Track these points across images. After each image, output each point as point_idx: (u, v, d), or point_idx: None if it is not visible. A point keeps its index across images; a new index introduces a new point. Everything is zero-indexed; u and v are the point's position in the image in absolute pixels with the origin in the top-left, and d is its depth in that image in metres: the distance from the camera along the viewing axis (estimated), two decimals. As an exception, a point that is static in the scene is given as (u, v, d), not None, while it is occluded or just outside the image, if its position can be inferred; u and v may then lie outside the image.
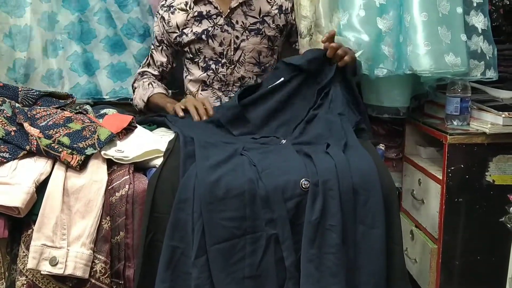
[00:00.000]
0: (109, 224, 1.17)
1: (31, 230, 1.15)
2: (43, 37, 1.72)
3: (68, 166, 1.21)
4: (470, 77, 1.58)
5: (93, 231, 1.15)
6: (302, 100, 1.46)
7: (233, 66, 1.65)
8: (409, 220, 1.77)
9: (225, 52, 1.64)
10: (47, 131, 1.24)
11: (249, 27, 1.63)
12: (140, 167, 1.29)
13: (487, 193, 1.56)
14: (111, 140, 1.28)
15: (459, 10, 1.54)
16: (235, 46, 1.64)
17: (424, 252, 1.64)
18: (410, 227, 1.74)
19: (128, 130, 1.37)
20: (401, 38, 1.59)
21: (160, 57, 1.71)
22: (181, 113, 1.49)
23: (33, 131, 1.22)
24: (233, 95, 1.64)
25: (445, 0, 1.52)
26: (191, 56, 1.67)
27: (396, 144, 1.94)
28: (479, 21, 1.57)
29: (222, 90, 1.67)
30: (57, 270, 1.11)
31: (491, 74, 1.58)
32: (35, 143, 1.21)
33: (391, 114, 1.77)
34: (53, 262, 1.11)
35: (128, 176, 1.22)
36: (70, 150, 1.20)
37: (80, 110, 1.40)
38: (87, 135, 1.26)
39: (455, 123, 1.61)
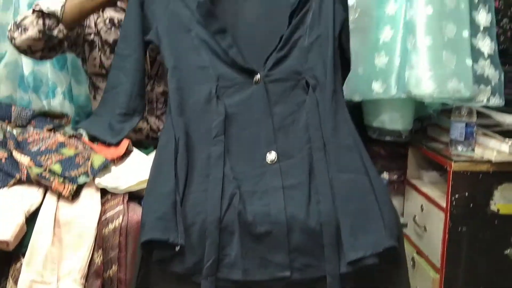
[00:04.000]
0: (101, 258, 1.12)
1: (20, 263, 1.10)
2: None
3: (60, 195, 1.17)
4: (475, 102, 1.54)
5: (85, 266, 1.10)
6: (273, 20, 1.30)
7: (151, 81, 1.52)
8: (410, 246, 1.73)
9: None
10: (39, 157, 1.20)
11: None
12: (135, 195, 1.25)
13: (491, 222, 1.53)
14: (105, 167, 1.24)
15: (466, 34, 1.49)
16: (150, 60, 1.52)
17: (425, 281, 1.60)
18: (411, 254, 1.70)
19: (123, 154, 1.32)
20: (403, 61, 1.55)
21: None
22: None
23: (23, 160, 1.18)
24: (159, 113, 1.53)
25: (451, 23, 1.48)
26: (103, 72, 1.51)
27: (398, 166, 1.90)
28: (486, 45, 1.53)
29: (146, 109, 1.47)
30: (46, 307, 1.07)
31: (496, 101, 1.54)
32: (25, 172, 1.16)
33: (393, 137, 1.73)
34: (42, 299, 1.07)
35: (122, 206, 1.18)
36: (62, 179, 1.16)
37: (75, 134, 1.35)
38: (80, 162, 1.21)
39: (459, 148, 1.58)
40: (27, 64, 1.60)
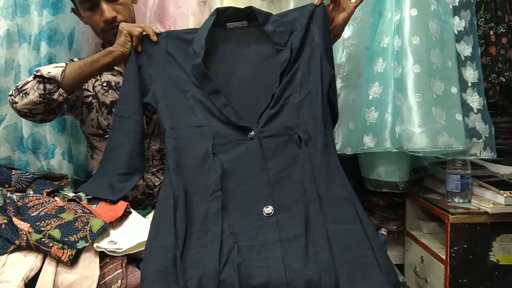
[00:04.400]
0: (99, 323, 1.12)
1: (17, 331, 1.09)
2: None
3: (59, 261, 1.17)
4: (468, 156, 1.57)
5: (83, 333, 1.10)
6: (264, 79, 1.36)
7: (147, 139, 1.56)
8: (412, 299, 1.71)
9: None
10: (38, 223, 1.21)
11: None
12: (133, 257, 1.25)
13: (491, 273, 1.52)
14: (104, 230, 1.25)
15: (454, 90, 1.54)
16: (147, 119, 1.54)
17: (430, 335, 1.58)
18: (414, 306, 1.69)
19: (122, 216, 1.34)
20: (389, 115, 1.59)
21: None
22: (139, 48, 1.39)
23: (23, 226, 1.19)
24: (155, 170, 1.58)
25: (439, 81, 1.52)
26: (100, 132, 1.56)
27: (397, 216, 1.91)
28: (474, 100, 1.58)
29: None
30: None
31: (487, 154, 1.57)
32: (25, 238, 1.17)
33: (390, 189, 1.75)
34: None
35: (120, 270, 1.17)
36: (61, 245, 1.17)
37: (73, 198, 1.37)
38: (79, 227, 1.22)
39: (456, 200, 1.59)
40: (26, 126, 1.64)
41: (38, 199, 1.32)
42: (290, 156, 1.27)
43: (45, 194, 1.39)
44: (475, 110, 1.57)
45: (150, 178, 1.58)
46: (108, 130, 1.52)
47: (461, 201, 1.58)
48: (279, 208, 1.20)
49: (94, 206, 1.36)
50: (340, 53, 1.62)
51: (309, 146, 1.27)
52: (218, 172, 1.24)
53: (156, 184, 1.58)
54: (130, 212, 1.36)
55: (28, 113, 1.40)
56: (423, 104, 1.50)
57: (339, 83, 1.63)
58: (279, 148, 1.28)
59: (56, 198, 1.37)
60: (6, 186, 1.44)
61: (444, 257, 1.54)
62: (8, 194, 1.32)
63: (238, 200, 1.22)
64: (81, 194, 1.39)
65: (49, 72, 1.38)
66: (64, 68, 1.40)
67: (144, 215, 1.41)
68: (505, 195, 1.49)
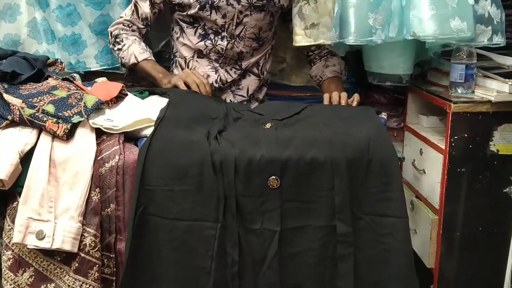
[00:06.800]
0: (98, 196, 1.12)
1: (16, 202, 1.10)
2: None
3: (54, 136, 1.15)
4: (476, 43, 1.50)
5: (82, 204, 1.10)
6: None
7: (233, 40, 1.61)
8: (409, 190, 1.72)
9: (226, 26, 1.59)
10: (30, 99, 1.18)
11: (254, 3, 1.59)
12: (130, 137, 1.24)
13: (490, 163, 1.52)
14: (100, 109, 1.23)
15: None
16: (237, 20, 1.60)
17: (424, 223, 1.60)
18: (410, 197, 1.70)
19: (118, 98, 1.31)
20: (404, 1, 1.51)
21: (146, 10, 1.61)
22: (183, 86, 1.46)
23: (15, 101, 1.16)
24: (229, 67, 1.64)
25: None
26: (191, 20, 1.61)
27: (398, 113, 1.89)
28: (488, -19, 1.49)
29: (219, 62, 1.63)
30: (44, 244, 1.07)
31: (499, 40, 1.50)
32: (18, 113, 1.14)
33: (393, 82, 1.70)
34: (40, 235, 1.06)
35: (118, 146, 1.16)
36: (55, 119, 1.14)
37: (67, 77, 1.33)
38: (73, 103, 1.19)
39: (459, 91, 1.55)
40: None
41: (31, 85, 1.29)
42: None
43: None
44: (489, -9, 1.49)
45: (223, 74, 1.64)
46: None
47: (464, 91, 1.54)
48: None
49: (89, 87, 1.33)
50: None
51: None
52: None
53: (228, 80, 1.65)
54: (126, 94, 1.34)
55: None
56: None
57: None
58: None
59: (48, 79, 1.33)
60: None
61: (443, 148, 1.53)
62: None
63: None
64: (75, 74, 1.35)
65: None
66: None
67: (142, 98, 1.38)
68: (510, 83, 1.45)
